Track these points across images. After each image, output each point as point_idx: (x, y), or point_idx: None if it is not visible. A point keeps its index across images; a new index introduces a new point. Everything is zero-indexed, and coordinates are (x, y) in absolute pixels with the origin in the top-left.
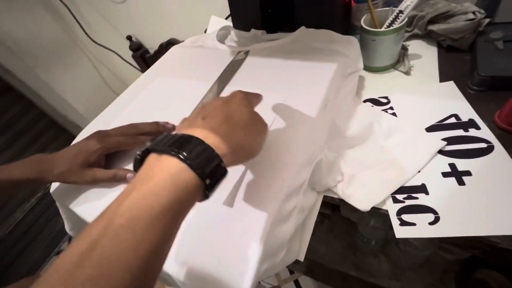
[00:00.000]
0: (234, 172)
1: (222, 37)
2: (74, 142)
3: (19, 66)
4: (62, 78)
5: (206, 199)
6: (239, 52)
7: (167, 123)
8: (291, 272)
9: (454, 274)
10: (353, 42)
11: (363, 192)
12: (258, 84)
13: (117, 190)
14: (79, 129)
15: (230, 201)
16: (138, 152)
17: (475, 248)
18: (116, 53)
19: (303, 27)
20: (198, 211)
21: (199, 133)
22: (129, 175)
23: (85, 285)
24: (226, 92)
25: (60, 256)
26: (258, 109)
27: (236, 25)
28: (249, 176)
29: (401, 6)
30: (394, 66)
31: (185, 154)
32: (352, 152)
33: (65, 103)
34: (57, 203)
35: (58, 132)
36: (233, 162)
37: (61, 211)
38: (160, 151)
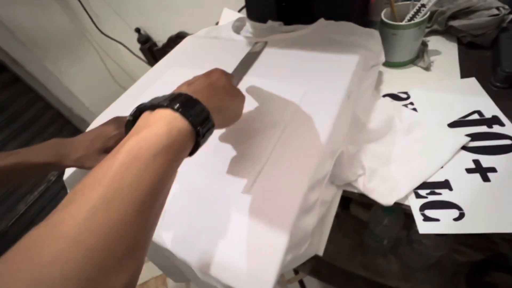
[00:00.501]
0: (253, 161)
1: (237, 29)
2: (88, 129)
3: (28, 57)
4: (69, 70)
5: (197, 147)
6: (256, 42)
7: None
8: (296, 272)
9: (464, 276)
10: (374, 34)
11: (385, 186)
12: (278, 75)
13: None
14: (84, 122)
15: (248, 189)
16: (130, 113)
17: (489, 250)
18: (124, 45)
19: (322, 19)
20: (222, 201)
21: (186, 92)
22: None
23: (92, 211)
24: (245, 83)
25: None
26: (280, 98)
27: (251, 17)
28: (273, 166)
29: (424, 0)
30: (413, 61)
31: (177, 105)
32: (373, 146)
33: (72, 95)
34: (69, 191)
35: (63, 124)
36: (216, 122)
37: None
38: (152, 106)
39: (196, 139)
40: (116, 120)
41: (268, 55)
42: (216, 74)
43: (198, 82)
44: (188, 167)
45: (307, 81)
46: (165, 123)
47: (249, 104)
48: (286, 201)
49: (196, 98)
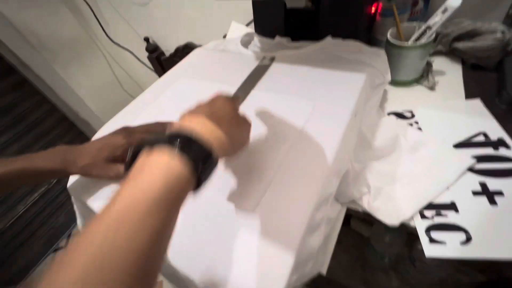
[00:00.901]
0: (260, 178)
1: (245, 43)
2: (94, 138)
3: (38, 60)
4: (78, 75)
5: (198, 190)
6: (264, 57)
7: None
8: None
9: None
10: (381, 54)
11: (390, 206)
12: (285, 90)
13: None
14: (89, 126)
15: (254, 206)
16: (132, 149)
17: (494, 272)
18: (133, 53)
19: (329, 37)
20: (228, 217)
21: (187, 128)
22: None
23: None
24: (253, 96)
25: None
26: (287, 113)
27: (259, 32)
28: (279, 183)
29: (430, 22)
30: (418, 80)
31: (176, 147)
32: (378, 164)
33: (78, 99)
34: (73, 199)
35: (68, 127)
36: (221, 154)
37: (75, 207)
38: (151, 144)
39: (198, 181)
40: (125, 130)
41: (276, 70)
42: (219, 101)
43: (201, 112)
44: None
45: (315, 97)
46: (163, 170)
47: (258, 118)
48: (293, 220)
49: (196, 138)
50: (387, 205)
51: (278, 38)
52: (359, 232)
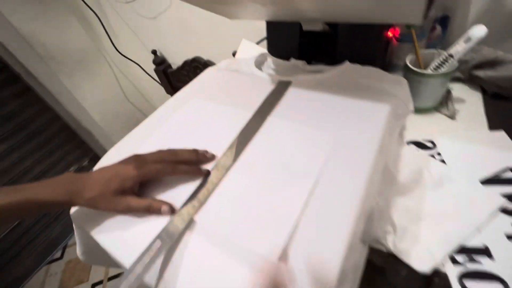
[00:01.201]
0: (282, 220)
1: (259, 64)
2: (100, 163)
3: (44, 70)
4: (83, 85)
5: None
6: (280, 81)
7: (207, 152)
8: None
9: None
10: (402, 82)
11: (418, 248)
12: (303, 119)
13: (146, 221)
14: (91, 135)
15: (276, 253)
16: None
17: None
18: (140, 66)
19: (347, 62)
20: (245, 266)
21: None
22: (163, 207)
23: None
24: (269, 124)
25: None
26: (307, 145)
27: (271, 52)
28: (305, 226)
29: (452, 51)
30: (436, 108)
31: None
32: (402, 200)
33: (82, 109)
34: (74, 226)
35: (70, 136)
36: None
37: (76, 234)
38: None
39: None
40: (136, 159)
41: (292, 95)
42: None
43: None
44: (206, 222)
45: (336, 128)
46: None
47: (274, 149)
48: (324, 270)
49: None
50: (415, 248)
51: (293, 61)
52: (373, 262)
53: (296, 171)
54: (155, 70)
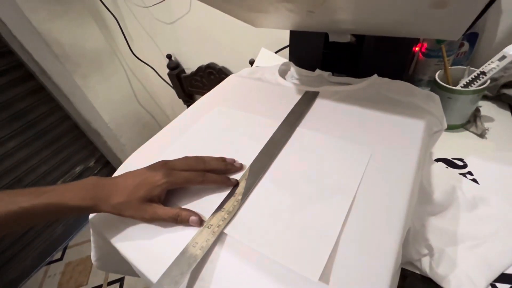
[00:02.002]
0: (321, 236)
1: (282, 72)
2: (122, 167)
3: (58, 69)
4: (96, 86)
5: None
6: (307, 92)
7: (234, 161)
8: None
9: None
10: (434, 98)
11: (457, 273)
12: (335, 131)
13: (171, 232)
14: (100, 136)
15: (316, 272)
16: None
17: None
18: (154, 69)
19: (375, 75)
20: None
21: None
22: (192, 218)
23: None
24: (299, 135)
25: None
26: (342, 159)
27: (294, 62)
28: (346, 245)
29: (485, 68)
30: (464, 126)
31: None
32: (436, 221)
33: (93, 110)
34: (92, 231)
35: (77, 136)
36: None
37: (92, 239)
38: None
39: None
40: (164, 166)
41: (321, 107)
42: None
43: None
44: (237, 237)
45: (370, 142)
46: None
47: (308, 161)
48: None
49: None
50: (453, 273)
51: (318, 71)
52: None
53: (333, 186)
54: (169, 74)
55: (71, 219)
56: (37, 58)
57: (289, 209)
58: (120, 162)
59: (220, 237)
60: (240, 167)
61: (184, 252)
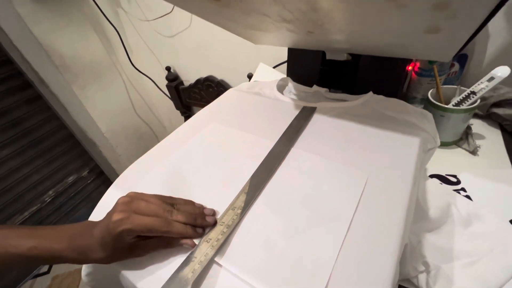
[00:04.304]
0: (318, 263)
1: (280, 87)
2: (115, 183)
3: (58, 79)
4: (94, 96)
5: None
6: (305, 107)
7: (214, 213)
8: None
9: None
10: (427, 116)
11: None
12: (331, 151)
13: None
14: (94, 146)
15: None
16: None
17: None
18: (153, 81)
19: (371, 93)
20: None
21: None
22: (186, 242)
23: None
24: (295, 156)
25: None
26: (339, 183)
27: (291, 77)
28: (342, 271)
29: (474, 88)
30: (457, 143)
31: None
32: (432, 237)
33: (90, 119)
34: None
35: (71, 146)
36: None
37: None
38: None
39: None
40: (126, 205)
41: (318, 124)
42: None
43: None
44: (229, 265)
45: (367, 162)
46: None
47: (302, 184)
48: None
49: None
50: None
51: (316, 87)
52: None
53: (330, 211)
54: (167, 86)
55: None
56: (36, 68)
57: (284, 235)
58: (114, 172)
59: (211, 265)
60: (213, 223)
61: (181, 267)
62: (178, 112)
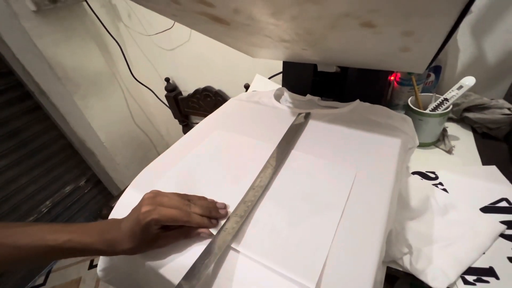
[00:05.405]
0: (315, 247)
1: (277, 97)
2: (126, 192)
3: (59, 90)
4: (94, 106)
5: None
6: (300, 114)
7: (225, 206)
8: None
9: None
10: (407, 120)
11: (433, 268)
12: (325, 152)
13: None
14: (93, 155)
15: (313, 279)
16: None
17: None
18: (153, 92)
19: (358, 100)
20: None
21: None
22: (204, 231)
23: None
24: (293, 157)
25: None
26: (331, 179)
27: (286, 88)
28: (337, 252)
29: (447, 95)
30: (435, 143)
31: None
32: (414, 224)
33: (90, 129)
34: None
35: (69, 156)
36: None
37: None
38: None
39: None
40: (152, 200)
41: (312, 129)
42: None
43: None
44: (242, 250)
45: (356, 161)
46: None
47: (301, 182)
48: (359, 285)
49: None
50: (430, 268)
51: (309, 96)
52: None
53: (325, 203)
54: (166, 96)
55: None
56: (37, 79)
57: (288, 224)
58: (112, 181)
59: (228, 250)
60: (225, 215)
61: (204, 253)
62: (175, 121)
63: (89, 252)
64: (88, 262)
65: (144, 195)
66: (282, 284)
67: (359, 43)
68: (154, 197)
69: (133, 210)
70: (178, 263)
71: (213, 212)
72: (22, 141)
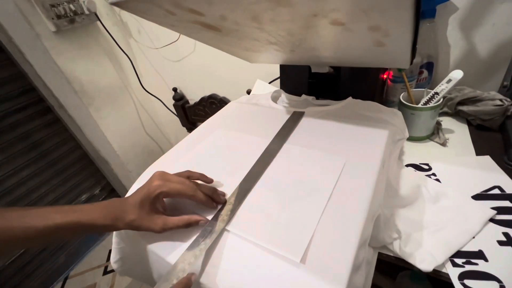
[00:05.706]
0: (302, 227)
1: (274, 98)
2: (133, 186)
3: (76, 103)
4: (108, 117)
5: None
6: (295, 112)
7: (224, 194)
8: None
9: None
10: (397, 113)
11: (422, 251)
12: (317, 144)
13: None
14: (107, 164)
15: (299, 254)
16: None
17: None
18: (161, 101)
19: (350, 98)
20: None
21: None
22: (201, 221)
23: None
24: (287, 150)
25: None
26: (322, 167)
27: (284, 90)
28: (322, 231)
29: (437, 89)
30: (429, 137)
31: None
32: (405, 211)
33: (104, 139)
34: (114, 233)
35: (86, 164)
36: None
37: (114, 241)
38: None
39: None
40: (160, 176)
41: (306, 124)
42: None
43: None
44: (237, 230)
45: (345, 151)
46: None
47: (293, 170)
48: (340, 260)
49: None
50: (418, 251)
51: (304, 96)
52: (379, 286)
53: (313, 187)
54: (174, 105)
55: (74, 248)
56: (57, 94)
57: (278, 206)
58: (125, 189)
59: (223, 233)
60: (224, 202)
61: (199, 237)
62: (183, 129)
63: (96, 228)
64: (102, 269)
65: (154, 173)
66: (271, 260)
67: (337, 41)
68: (163, 174)
69: (143, 185)
70: (175, 246)
71: (215, 195)
72: (42, 153)
